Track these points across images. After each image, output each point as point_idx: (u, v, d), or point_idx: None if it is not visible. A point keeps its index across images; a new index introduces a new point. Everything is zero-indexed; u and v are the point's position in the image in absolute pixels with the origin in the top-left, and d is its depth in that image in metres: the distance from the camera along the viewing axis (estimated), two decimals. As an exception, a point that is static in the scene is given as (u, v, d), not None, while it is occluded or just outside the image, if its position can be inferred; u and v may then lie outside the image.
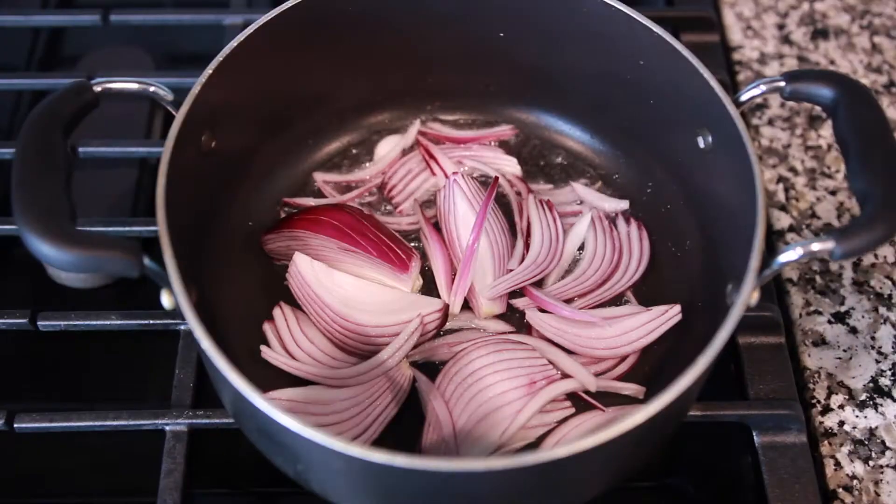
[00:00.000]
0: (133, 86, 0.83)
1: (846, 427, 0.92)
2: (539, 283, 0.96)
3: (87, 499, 0.91)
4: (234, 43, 0.87)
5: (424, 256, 0.99)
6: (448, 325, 0.94)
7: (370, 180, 1.06)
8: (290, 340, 0.91)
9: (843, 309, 1.00)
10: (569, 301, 0.95)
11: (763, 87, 0.84)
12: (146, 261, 0.70)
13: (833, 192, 1.09)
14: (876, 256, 1.04)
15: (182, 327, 0.95)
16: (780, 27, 1.25)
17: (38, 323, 0.95)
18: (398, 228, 1.01)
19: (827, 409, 0.93)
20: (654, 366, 0.92)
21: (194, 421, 0.89)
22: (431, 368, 0.91)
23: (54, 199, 0.70)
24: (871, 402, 0.94)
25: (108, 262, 0.69)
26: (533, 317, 0.93)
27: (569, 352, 0.91)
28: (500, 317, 0.95)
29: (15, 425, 0.88)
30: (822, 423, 0.93)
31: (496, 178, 1.02)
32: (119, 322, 0.95)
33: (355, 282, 0.94)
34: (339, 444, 0.65)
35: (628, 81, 0.96)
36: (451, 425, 0.85)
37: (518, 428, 0.85)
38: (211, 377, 0.81)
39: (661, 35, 0.88)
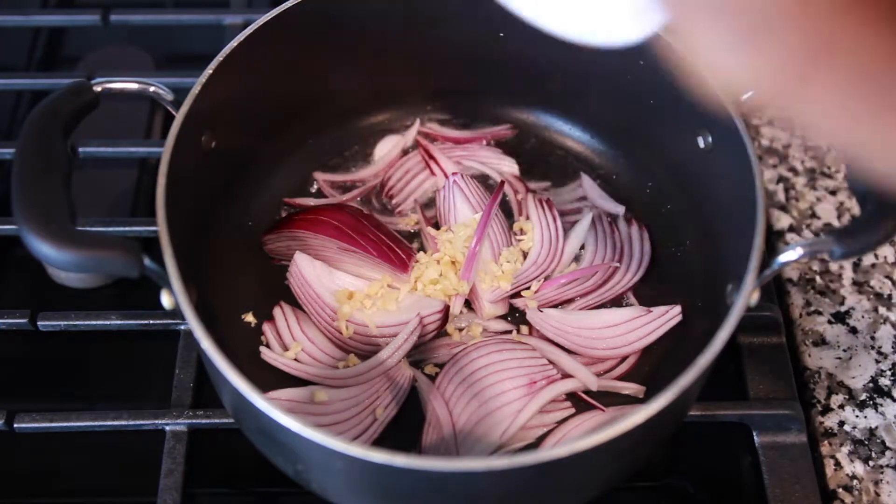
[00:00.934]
0: (133, 86, 0.83)
1: (846, 427, 0.92)
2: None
3: (87, 499, 0.91)
4: (234, 43, 0.87)
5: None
6: (450, 325, 0.94)
7: (370, 180, 1.06)
8: (290, 340, 0.92)
9: (843, 309, 1.00)
10: (569, 301, 0.96)
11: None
12: (146, 261, 0.70)
13: (833, 192, 1.09)
14: (876, 256, 1.04)
15: (182, 327, 0.95)
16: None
17: (38, 323, 0.95)
18: (398, 228, 1.01)
19: (827, 409, 0.93)
20: (654, 366, 0.92)
21: (194, 421, 0.89)
22: (431, 369, 0.91)
23: (54, 199, 0.70)
24: (871, 402, 0.94)
25: (108, 262, 0.68)
26: (533, 317, 0.93)
27: (569, 352, 0.91)
28: (500, 317, 0.95)
29: (15, 425, 0.88)
30: (822, 423, 0.92)
31: (502, 182, 1.02)
32: (119, 322, 0.95)
33: (356, 281, 0.94)
34: (339, 444, 0.65)
35: (628, 81, 0.96)
36: (451, 425, 0.85)
37: (518, 428, 0.85)
38: (211, 377, 0.81)
39: (661, 34, 0.88)
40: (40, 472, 0.93)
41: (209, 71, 0.85)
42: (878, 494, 0.88)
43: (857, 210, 0.96)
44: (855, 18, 0.46)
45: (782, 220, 1.07)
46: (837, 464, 0.90)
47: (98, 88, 0.80)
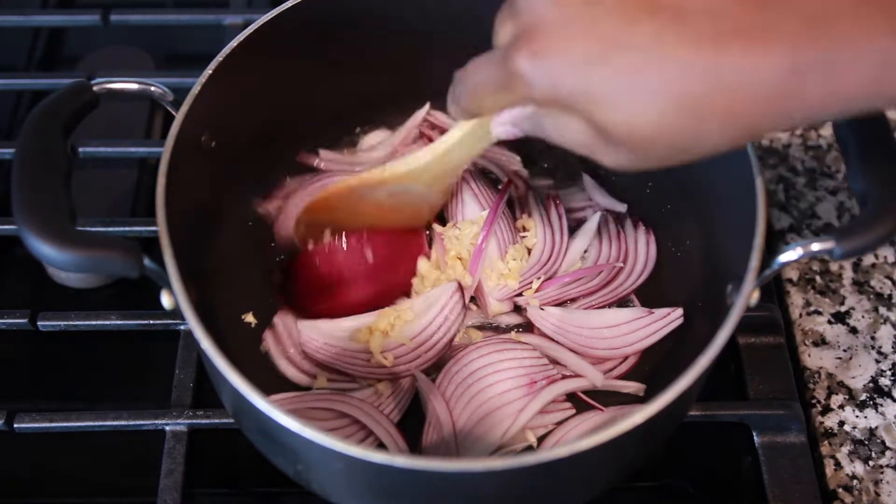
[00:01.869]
0: (133, 86, 0.83)
1: (846, 427, 0.92)
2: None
3: (87, 499, 0.91)
4: (233, 43, 0.87)
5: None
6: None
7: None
8: (290, 345, 0.91)
9: (843, 309, 1.00)
10: (573, 301, 0.96)
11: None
12: (146, 261, 0.70)
13: (833, 192, 1.09)
14: (876, 256, 1.04)
15: (182, 327, 0.95)
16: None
17: (38, 323, 0.95)
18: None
19: (827, 409, 0.93)
20: (654, 365, 0.92)
21: (194, 421, 0.89)
22: (431, 369, 0.91)
23: (54, 200, 0.70)
24: (871, 403, 0.94)
25: (108, 262, 0.68)
26: (534, 314, 0.93)
27: (570, 351, 0.91)
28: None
29: (15, 425, 0.88)
30: (822, 423, 0.92)
31: (508, 179, 1.02)
32: (119, 322, 0.95)
33: (359, 317, 0.92)
34: (339, 444, 0.65)
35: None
36: (452, 425, 0.85)
37: (520, 428, 0.85)
38: (211, 377, 0.81)
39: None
40: (40, 472, 0.93)
41: (209, 71, 0.84)
42: (878, 494, 0.88)
43: (857, 210, 0.96)
44: None
45: (782, 220, 1.07)
46: (837, 464, 0.90)
47: (98, 88, 0.80)
